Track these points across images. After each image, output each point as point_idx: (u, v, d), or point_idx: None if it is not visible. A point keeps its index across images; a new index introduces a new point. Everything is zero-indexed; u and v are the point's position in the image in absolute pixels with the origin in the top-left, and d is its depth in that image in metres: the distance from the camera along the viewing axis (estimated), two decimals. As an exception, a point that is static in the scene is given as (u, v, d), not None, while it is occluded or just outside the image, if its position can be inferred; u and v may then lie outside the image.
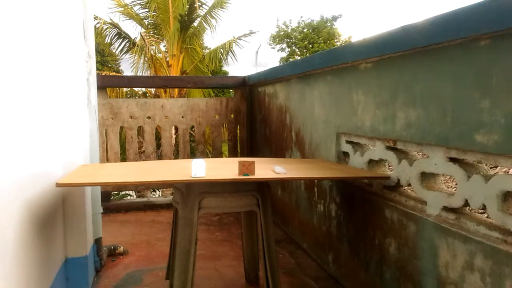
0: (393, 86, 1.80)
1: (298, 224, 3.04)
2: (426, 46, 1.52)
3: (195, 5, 11.80)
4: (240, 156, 4.39)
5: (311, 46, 24.18)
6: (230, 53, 13.25)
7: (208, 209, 1.88)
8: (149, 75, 12.75)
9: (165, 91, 11.27)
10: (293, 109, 3.09)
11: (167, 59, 12.70)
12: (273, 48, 27.11)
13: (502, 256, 1.23)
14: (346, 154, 2.34)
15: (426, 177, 1.67)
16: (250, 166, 1.70)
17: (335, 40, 24.18)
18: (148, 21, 13.37)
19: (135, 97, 13.55)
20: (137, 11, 13.11)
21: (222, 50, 13.16)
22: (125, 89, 13.62)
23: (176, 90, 11.23)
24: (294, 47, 25.37)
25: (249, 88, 4.34)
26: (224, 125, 4.63)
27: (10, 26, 1.42)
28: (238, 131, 4.44)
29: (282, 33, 25.72)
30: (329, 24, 24.57)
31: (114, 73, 16.01)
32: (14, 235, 1.43)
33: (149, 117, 4.10)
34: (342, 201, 2.32)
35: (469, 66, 1.37)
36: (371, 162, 2.09)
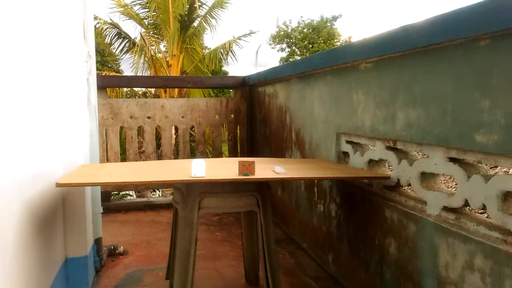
0: (393, 86, 1.80)
1: (298, 224, 3.04)
2: (426, 46, 1.52)
3: (195, 5, 11.80)
4: (240, 156, 4.39)
5: (311, 46, 24.19)
6: (230, 53, 13.26)
7: (208, 209, 1.88)
8: (149, 75, 12.75)
9: (165, 91, 11.27)
10: (293, 109, 3.09)
11: (167, 59, 12.70)
12: (273, 48, 27.15)
13: (502, 256, 1.23)
14: (346, 154, 2.34)
15: (426, 177, 1.67)
16: (250, 166, 1.70)
17: (335, 40, 24.19)
18: (148, 21, 13.37)
19: (135, 97, 13.55)
20: (137, 11, 13.12)
21: (222, 50, 13.16)
22: (125, 89, 13.62)
23: (176, 90, 11.24)
24: (294, 47, 25.37)
25: (249, 88, 4.34)
26: (224, 125, 4.63)
27: (10, 26, 1.42)
28: (238, 131, 4.44)
29: (282, 33, 25.72)
30: (329, 24, 24.57)
31: (114, 73, 16.02)
32: (14, 235, 1.43)
33: (149, 117, 4.10)
34: (342, 201, 2.32)
35: (469, 66, 1.37)
36: (371, 162, 2.09)
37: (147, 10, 12.92)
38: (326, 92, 2.50)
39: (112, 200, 4.45)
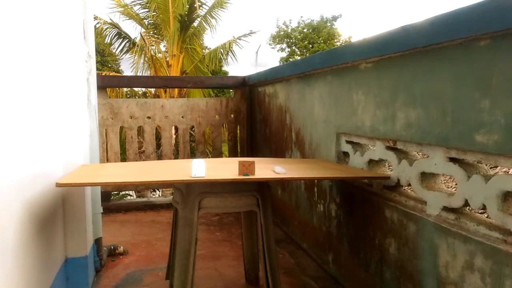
0: (393, 86, 1.80)
1: (298, 224, 3.04)
2: (426, 46, 1.52)
3: (195, 5, 11.80)
4: (240, 156, 4.39)
5: (311, 46, 24.19)
6: (230, 53, 13.27)
7: (208, 209, 1.88)
8: (149, 75, 12.75)
9: (165, 91, 11.28)
10: (293, 109, 3.09)
11: (167, 59, 12.70)
12: (273, 48, 27.15)
13: (502, 256, 1.23)
14: (346, 154, 2.34)
15: (426, 177, 1.67)
16: (250, 166, 1.70)
17: (335, 40, 24.19)
18: (148, 21, 13.38)
19: (135, 97, 13.55)
20: (137, 11, 13.12)
21: (222, 50, 13.16)
22: (125, 89, 13.63)
23: (176, 90, 11.24)
24: (294, 47, 25.37)
25: (249, 88, 4.34)
26: (224, 125, 4.63)
27: (11, 26, 1.42)
28: (238, 131, 4.44)
29: (282, 33, 25.72)
30: (329, 24, 24.57)
31: (114, 73, 16.02)
32: (14, 235, 1.43)
33: (149, 117, 4.10)
34: (342, 201, 2.32)
35: (469, 66, 1.37)
36: (371, 162, 2.09)
37: (147, 10, 12.93)
38: (326, 92, 2.50)
39: (112, 200, 4.45)
